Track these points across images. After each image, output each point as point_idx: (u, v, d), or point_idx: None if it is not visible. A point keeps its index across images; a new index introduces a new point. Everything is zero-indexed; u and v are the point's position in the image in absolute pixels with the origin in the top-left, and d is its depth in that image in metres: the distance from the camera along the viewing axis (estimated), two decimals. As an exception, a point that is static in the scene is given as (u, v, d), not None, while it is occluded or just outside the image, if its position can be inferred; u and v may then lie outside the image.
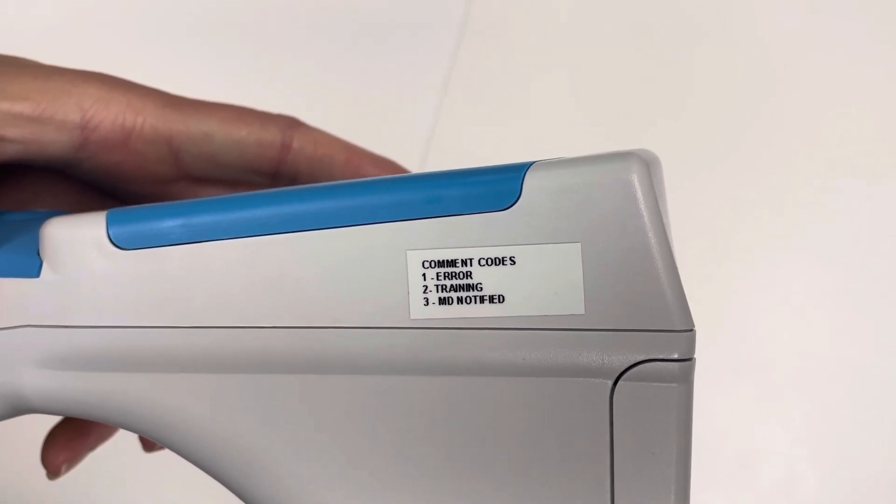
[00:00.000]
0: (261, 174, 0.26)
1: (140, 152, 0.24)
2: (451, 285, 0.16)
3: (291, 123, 0.26)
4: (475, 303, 0.16)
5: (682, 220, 0.44)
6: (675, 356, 0.16)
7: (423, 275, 0.16)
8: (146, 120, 0.23)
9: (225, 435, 0.18)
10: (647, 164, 0.16)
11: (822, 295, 0.43)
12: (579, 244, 0.16)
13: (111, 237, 0.18)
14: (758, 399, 0.42)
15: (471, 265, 0.16)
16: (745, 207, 0.44)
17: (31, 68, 0.23)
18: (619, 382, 0.16)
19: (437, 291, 0.16)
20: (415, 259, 0.16)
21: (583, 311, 0.16)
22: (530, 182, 0.16)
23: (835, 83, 0.45)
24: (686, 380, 0.17)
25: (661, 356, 0.16)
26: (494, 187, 0.16)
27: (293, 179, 0.26)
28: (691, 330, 0.17)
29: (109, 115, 0.23)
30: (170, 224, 0.18)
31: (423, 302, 0.16)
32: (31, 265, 0.19)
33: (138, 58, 0.49)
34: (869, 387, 0.42)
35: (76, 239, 0.19)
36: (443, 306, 0.16)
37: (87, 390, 0.18)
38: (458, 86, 0.47)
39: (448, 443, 0.16)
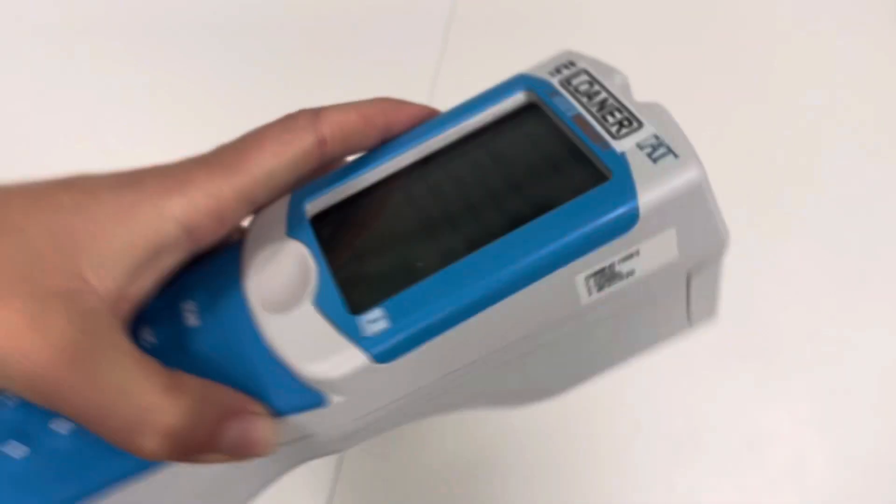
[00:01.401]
0: (306, 176, 0.27)
1: (232, 220, 0.25)
2: (604, 280, 0.24)
3: (312, 117, 0.26)
4: (618, 280, 0.24)
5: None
6: (724, 252, 0.26)
7: (586, 280, 0.24)
8: (226, 195, 0.24)
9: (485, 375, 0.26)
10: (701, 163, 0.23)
11: (823, 274, 0.43)
12: (675, 228, 0.24)
13: (377, 359, 0.23)
14: (762, 383, 0.42)
15: (615, 266, 0.24)
16: (743, 187, 0.44)
17: (123, 185, 0.23)
18: (693, 273, 0.26)
19: (596, 286, 0.24)
20: (580, 277, 0.24)
21: (677, 256, 0.24)
22: (643, 207, 0.23)
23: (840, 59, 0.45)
24: (722, 256, 0.26)
25: (717, 256, 0.26)
26: (623, 221, 0.23)
27: (331, 165, 0.27)
28: (727, 235, 0.25)
29: (202, 216, 0.23)
30: (419, 329, 0.23)
31: (588, 293, 0.24)
32: (318, 398, 0.23)
33: (131, 60, 0.48)
34: (874, 366, 0.42)
35: (349, 373, 0.22)
36: (599, 292, 0.24)
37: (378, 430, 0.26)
38: (446, 82, 0.46)
39: (607, 339, 0.28)
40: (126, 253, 0.22)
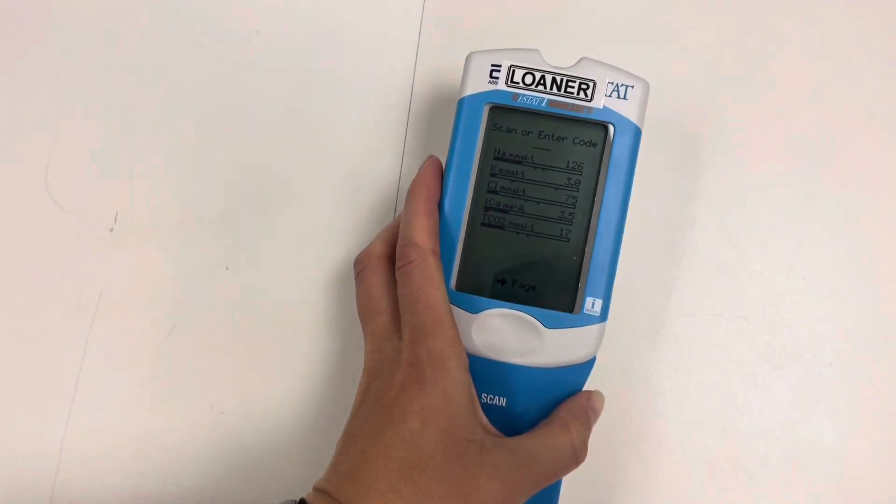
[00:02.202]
0: None
1: None
2: None
3: (420, 253, 0.33)
4: None
5: (694, 208, 0.41)
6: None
7: None
8: None
9: None
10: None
11: (849, 273, 0.39)
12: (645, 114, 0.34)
13: (605, 319, 0.34)
14: (798, 391, 0.39)
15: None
16: (756, 188, 0.40)
17: None
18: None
19: None
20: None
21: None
22: (639, 124, 0.34)
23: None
24: None
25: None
26: (637, 140, 0.34)
27: None
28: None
29: None
30: (608, 289, 0.34)
31: None
32: (593, 360, 0.34)
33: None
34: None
35: (601, 338, 0.34)
36: None
37: None
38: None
39: None
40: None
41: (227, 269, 0.41)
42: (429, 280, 0.32)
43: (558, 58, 0.35)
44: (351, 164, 0.41)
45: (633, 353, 0.39)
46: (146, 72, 0.43)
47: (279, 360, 0.41)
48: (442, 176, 0.34)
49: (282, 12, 0.43)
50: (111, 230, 0.42)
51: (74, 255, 0.42)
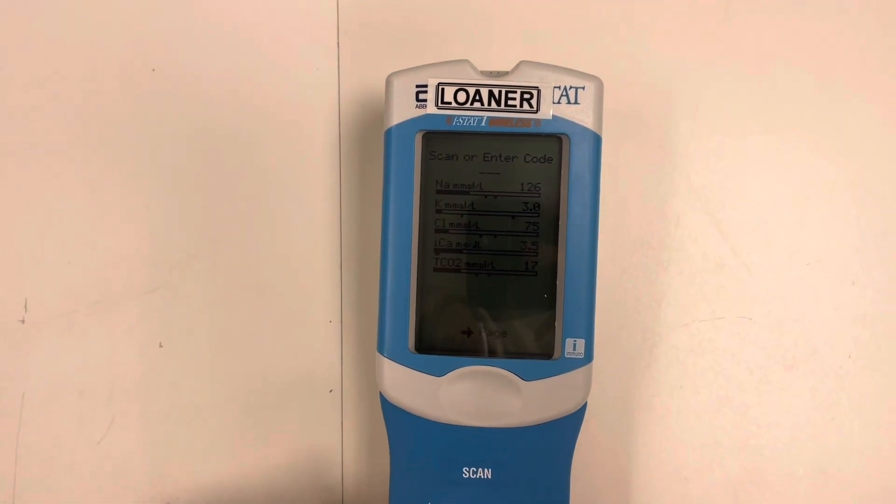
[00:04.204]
0: None
1: None
2: None
3: None
4: None
5: (675, 202, 0.36)
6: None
7: None
8: None
9: None
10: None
11: (856, 248, 0.35)
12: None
13: (591, 360, 0.30)
14: (820, 391, 0.35)
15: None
16: (741, 169, 0.36)
17: None
18: None
19: None
20: None
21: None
22: (598, 130, 0.29)
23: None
24: None
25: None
26: (598, 146, 0.29)
27: None
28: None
29: None
30: (590, 326, 0.30)
31: None
32: (584, 407, 0.30)
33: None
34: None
35: (589, 379, 0.30)
36: None
37: None
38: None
39: None
40: None
41: (160, 346, 0.36)
42: None
43: (494, 62, 0.30)
44: (282, 207, 0.36)
45: (629, 376, 0.35)
46: (29, 131, 0.37)
47: (235, 441, 0.36)
48: None
49: (179, 44, 0.37)
50: (22, 322, 0.37)
51: (-14, 356, 0.37)
